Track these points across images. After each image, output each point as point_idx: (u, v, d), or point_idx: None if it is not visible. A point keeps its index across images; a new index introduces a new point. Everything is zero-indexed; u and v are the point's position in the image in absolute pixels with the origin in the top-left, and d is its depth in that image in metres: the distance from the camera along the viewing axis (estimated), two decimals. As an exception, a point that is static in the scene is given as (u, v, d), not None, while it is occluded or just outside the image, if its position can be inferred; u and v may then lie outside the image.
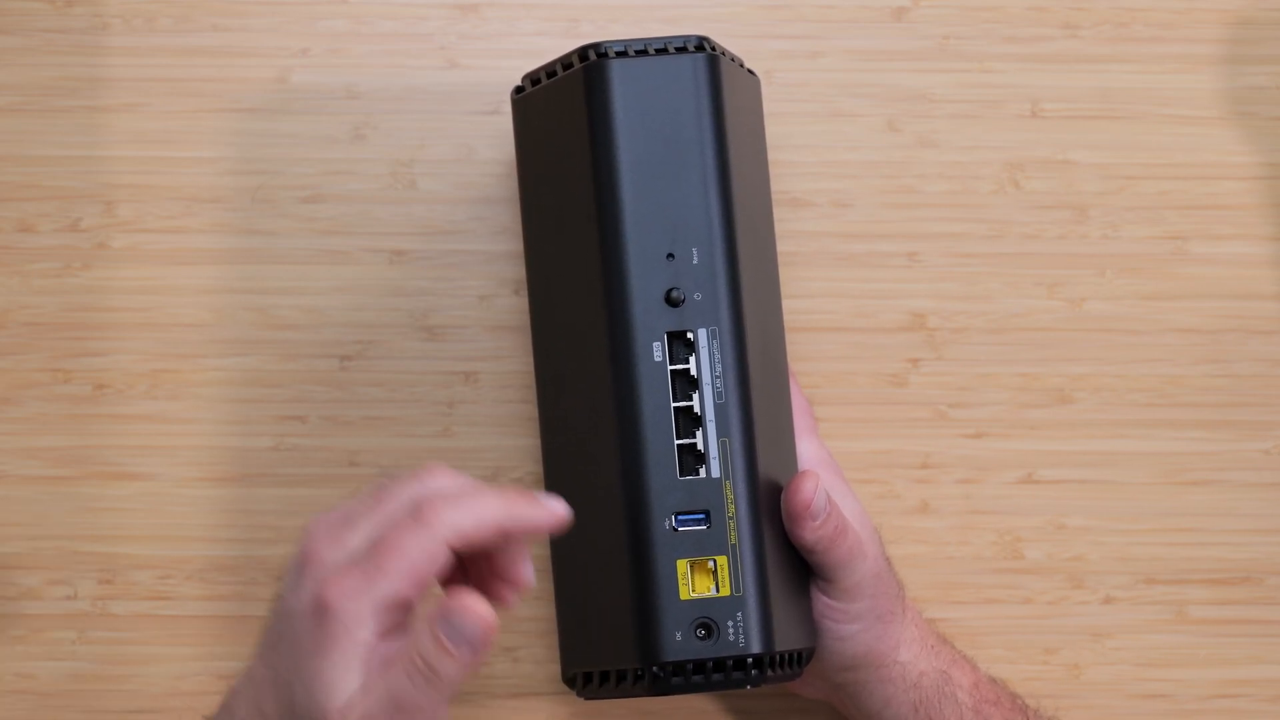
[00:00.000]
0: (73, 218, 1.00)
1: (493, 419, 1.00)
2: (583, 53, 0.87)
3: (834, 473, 0.91)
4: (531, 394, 0.98)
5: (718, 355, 0.85)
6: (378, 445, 0.99)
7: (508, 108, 1.00)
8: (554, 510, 0.78)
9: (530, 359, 0.93)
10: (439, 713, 0.74)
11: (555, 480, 0.89)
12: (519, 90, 0.91)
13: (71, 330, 0.99)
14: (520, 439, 0.99)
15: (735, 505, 0.84)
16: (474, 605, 0.74)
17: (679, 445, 0.84)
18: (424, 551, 0.74)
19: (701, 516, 0.84)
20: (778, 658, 0.84)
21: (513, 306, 1.00)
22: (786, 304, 0.94)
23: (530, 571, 0.80)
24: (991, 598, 1.00)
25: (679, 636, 0.83)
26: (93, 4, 1.01)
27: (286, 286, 1.00)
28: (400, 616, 0.75)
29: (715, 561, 0.83)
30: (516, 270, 1.00)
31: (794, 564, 0.87)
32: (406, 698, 0.74)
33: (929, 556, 1.00)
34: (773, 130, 0.97)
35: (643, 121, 0.86)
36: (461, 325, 1.00)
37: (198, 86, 1.01)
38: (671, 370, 0.84)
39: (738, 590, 0.83)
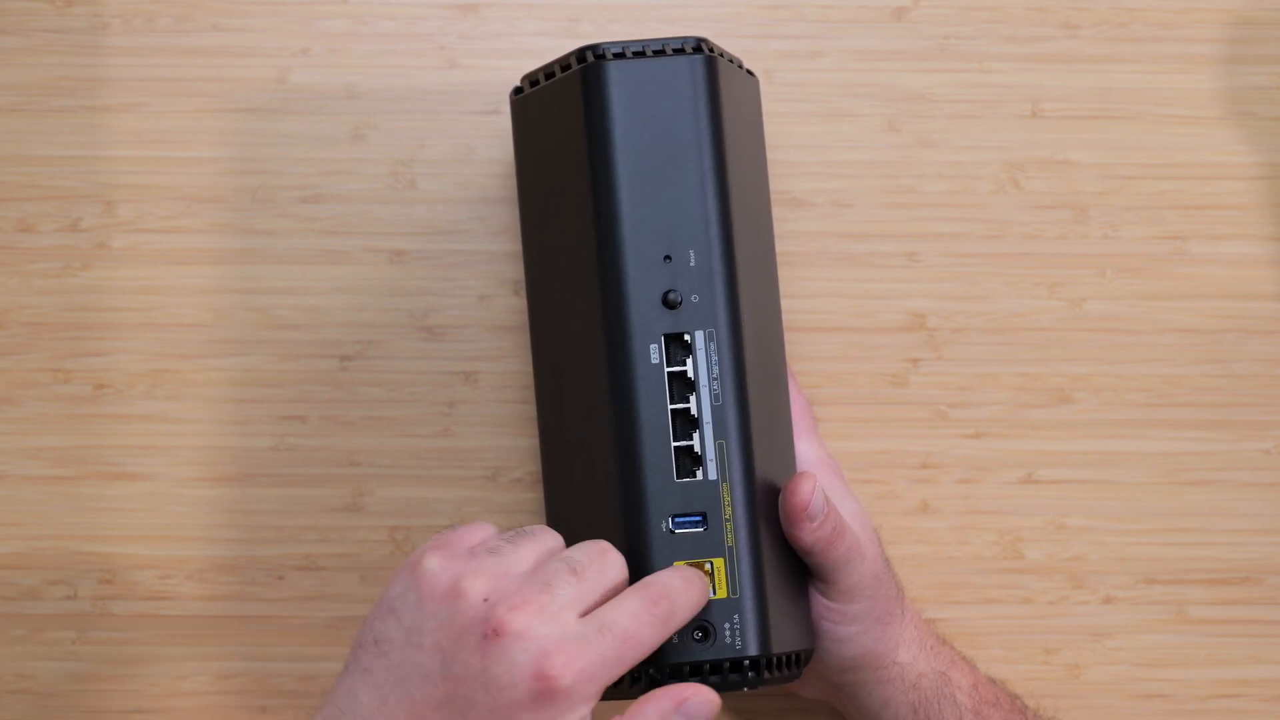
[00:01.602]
0: (73, 218, 1.00)
1: (493, 419, 1.00)
2: (581, 54, 0.87)
3: (833, 473, 0.91)
4: (531, 394, 0.98)
5: (715, 357, 0.85)
6: (378, 445, 0.99)
7: (508, 108, 1.00)
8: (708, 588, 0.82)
9: (530, 359, 0.93)
10: None
11: (553, 481, 0.89)
12: (518, 91, 0.91)
13: (71, 330, 0.99)
14: (520, 439, 0.99)
15: (732, 507, 0.84)
16: (704, 695, 0.77)
17: (676, 447, 0.84)
18: (655, 645, 0.77)
19: (698, 519, 0.84)
20: (775, 660, 0.84)
21: (513, 306, 1.00)
22: (786, 304, 0.94)
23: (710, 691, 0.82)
24: (991, 598, 1.00)
25: (676, 639, 0.83)
26: (93, 4, 1.01)
27: (286, 286, 1.00)
28: None
29: (712, 564, 0.83)
30: (516, 270, 1.00)
31: (792, 565, 0.87)
32: None
33: (929, 556, 1.00)
34: (773, 130, 0.97)
35: (640, 123, 0.85)
36: (461, 325, 1.00)
37: (198, 86, 1.01)
38: (669, 372, 0.84)
39: (735, 592, 0.83)
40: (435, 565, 0.77)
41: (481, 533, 0.80)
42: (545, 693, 0.74)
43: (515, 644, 0.74)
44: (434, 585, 0.77)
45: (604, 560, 0.79)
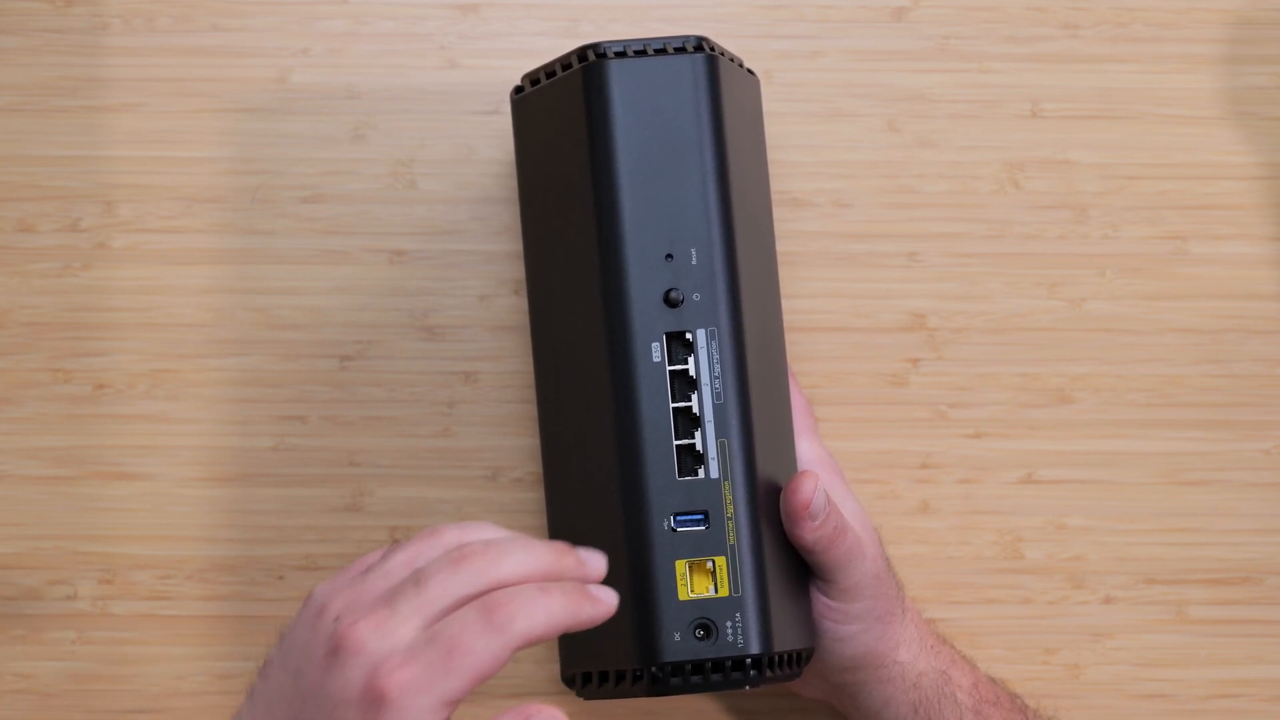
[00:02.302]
0: (73, 218, 1.00)
1: (493, 419, 1.00)
2: (582, 53, 0.87)
3: (834, 473, 0.91)
4: (531, 394, 0.98)
5: (716, 356, 0.85)
6: (378, 445, 0.99)
7: (508, 108, 1.00)
8: (609, 604, 0.76)
9: (530, 359, 0.93)
10: None
11: (554, 480, 0.89)
12: (518, 90, 0.91)
13: (71, 330, 0.99)
14: (520, 439, 0.99)
15: (734, 506, 0.84)
16: (555, 713, 0.74)
17: (678, 446, 0.84)
18: (493, 656, 0.73)
19: (700, 517, 0.84)
20: (776, 658, 0.84)
21: (513, 306, 1.00)
22: (786, 304, 0.94)
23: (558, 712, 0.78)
24: (991, 598, 1.00)
25: (678, 637, 0.83)
26: (93, 4, 1.01)
27: (286, 286, 1.00)
28: (449, 715, 0.73)
29: (714, 562, 0.83)
30: (516, 270, 1.00)
31: (793, 564, 0.87)
32: None
33: (929, 556, 1.00)
34: (773, 130, 0.97)
35: (642, 122, 0.85)
36: (461, 325, 1.00)
37: (198, 86, 1.01)
38: (670, 371, 0.84)
39: (736, 591, 0.83)
40: (320, 590, 0.76)
41: (402, 552, 0.78)
42: (373, 703, 0.72)
43: (350, 659, 0.73)
44: (309, 608, 0.76)
45: (455, 570, 0.74)
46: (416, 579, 0.74)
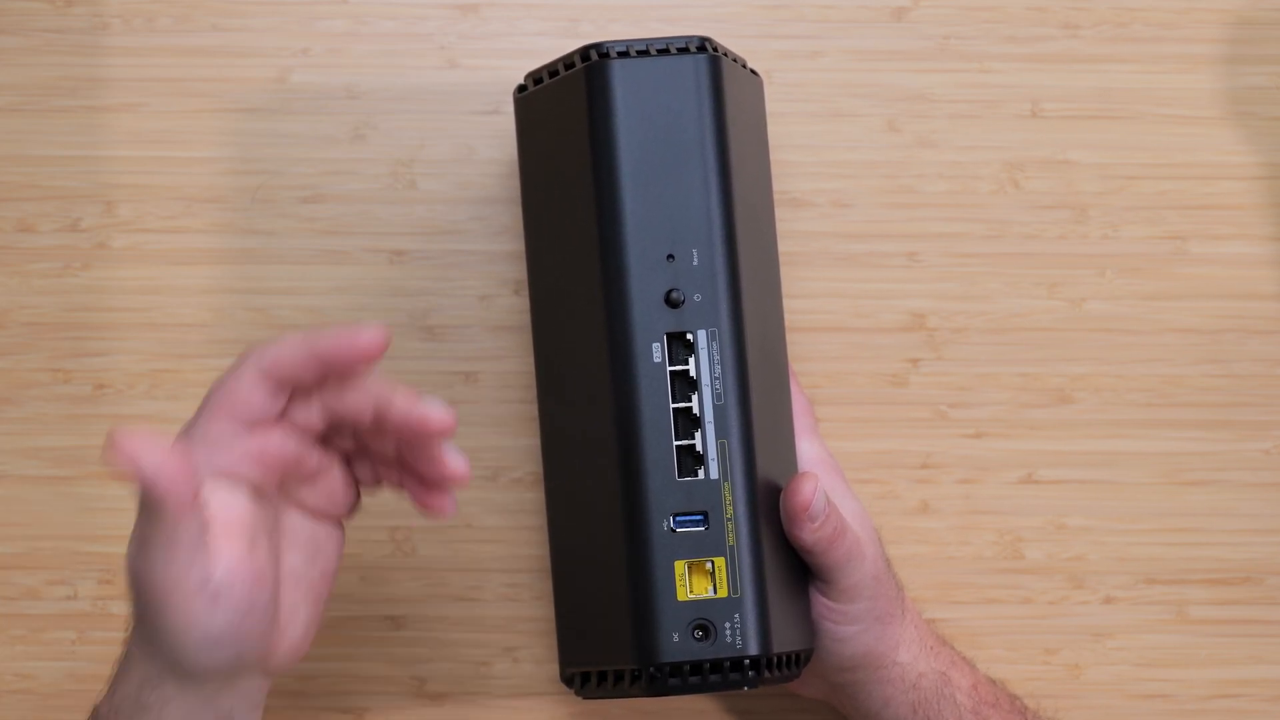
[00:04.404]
0: (73, 218, 1.00)
1: (493, 419, 1.00)
2: (584, 53, 0.87)
3: (834, 473, 0.91)
4: (531, 394, 0.98)
5: (717, 356, 0.85)
6: (378, 445, 0.99)
7: (508, 108, 1.00)
8: (365, 331, 0.76)
9: (530, 359, 0.93)
10: None
11: (554, 480, 0.89)
12: (521, 89, 0.91)
13: (71, 330, 0.99)
14: (520, 439, 0.99)
15: (733, 507, 0.84)
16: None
17: (678, 446, 0.84)
18: (236, 385, 0.76)
19: (700, 518, 0.84)
20: (775, 659, 0.84)
21: (513, 306, 1.00)
22: (786, 304, 0.94)
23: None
24: (991, 598, 1.00)
25: (676, 637, 0.83)
26: (93, 4, 1.01)
27: (286, 286, 1.00)
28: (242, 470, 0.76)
29: (713, 563, 0.83)
30: (516, 270, 1.00)
31: (792, 565, 0.87)
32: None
33: (929, 556, 1.00)
34: (773, 130, 0.97)
35: (643, 122, 0.85)
36: (461, 325, 1.00)
37: (198, 86, 1.01)
38: (671, 371, 0.84)
39: (735, 591, 0.83)
40: None
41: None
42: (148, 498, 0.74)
43: None
44: None
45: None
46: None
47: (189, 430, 0.78)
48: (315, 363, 0.77)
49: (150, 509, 0.73)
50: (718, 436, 0.84)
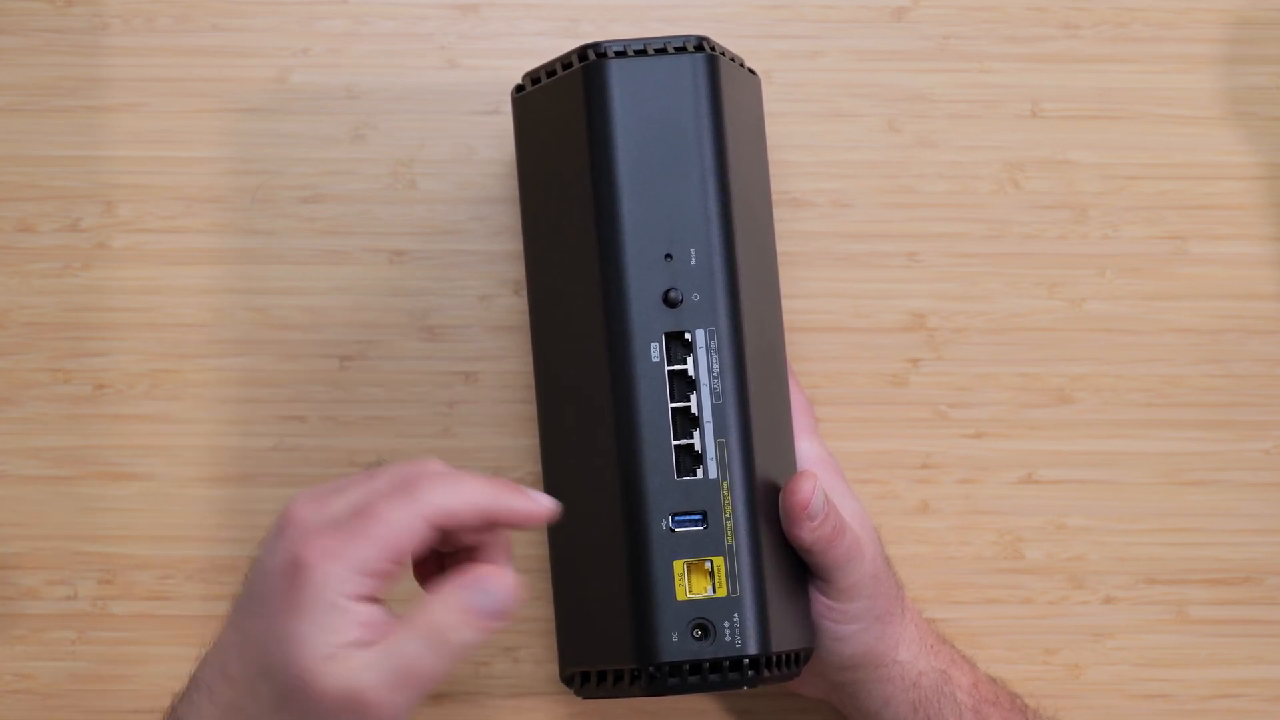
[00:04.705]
0: (73, 218, 1.00)
1: (493, 419, 1.00)
2: (582, 52, 0.87)
3: (834, 472, 0.91)
4: (531, 394, 0.98)
5: (715, 356, 0.85)
6: (378, 445, 0.99)
7: (508, 108, 1.00)
8: (542, 504, 0.77)
9: (530, 359, 0.93)
10: (438, 680, 0.75)
11: (553, 480, 0.89)
12: (519, 89, 0.91)
13: (71, 330, 0.99)
14: (520, 439, 0.99)
15: (732, 506, 0.84)
16: (502, 575, 0.76)
17: (676, 446, 0.84)
18: (406, 524, 0.74)
19: (698, 517, 0.84)
20: (774, 658, 0.84)
21: (513, 306, 1.00)
22: (786, 304, 0.94)
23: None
24: (991, 598, 1.00)
25: (675, 637, 0.83)
26: (93, 4, 1.01)
27: (286, 286, 1.00)
28: (377, 586, 0.74)
29: (712, 562, 0.83)
30: (516, 270, 1.00)
31: (792, 564, 0.87)
32: (416, 664, 0.74)
33: (929, 556, 1.00)
34: (773, 130, 0.97)
35: (642, 122, 0.85)
36: (461, 325, 1.00)
37: (198, 86, 1.01)
38: (669, 371, 0.84)
39: (734, 591, 0.83)
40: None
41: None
42: (290, 567, 0.74)
43: (286, 532, 0.75)
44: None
45: (406, 466, 0.77)
46: (369, 474, 0.77)
47: (343, 552, 0.75)
48: (484, 522, 0.77)
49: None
50: (716, 436, 0.84)
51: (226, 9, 1.01)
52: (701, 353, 0.85)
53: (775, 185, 0.99)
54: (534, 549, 0.97)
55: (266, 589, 0.75)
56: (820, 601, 0.89)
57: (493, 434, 0.99)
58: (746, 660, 0.83)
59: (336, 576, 0.74)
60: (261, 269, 1.00)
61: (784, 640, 0.85)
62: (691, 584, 0.84)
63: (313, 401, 0.99)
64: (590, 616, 0.87)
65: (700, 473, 0.84)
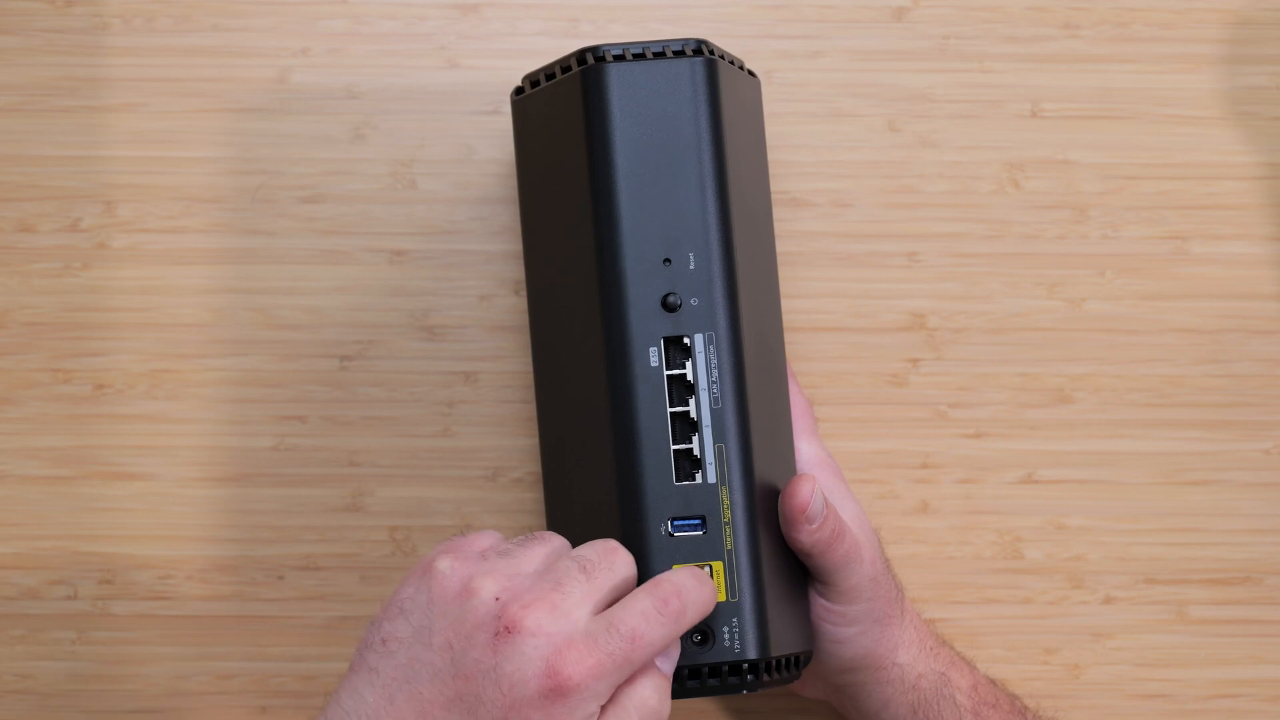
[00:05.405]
0: (73, 218, 1.00)
1: (493, 419, 1.00)
2: (581, 56, 0.86)
3: (833, 474, 0.91)
4: (531, 394, 0.98)
5: (714, 360, 0.84)
6: (378, 445, 0.99)
7: (508, 108, 1.00)
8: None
9: (530, 359, 0.93)
10: None
11: (553, 484, 0.89)
12: (518, 92, 0.91)
13: (71, 330, 1.00)
14: (520, 439, 0.99)
15: (731, 511, 0.84)
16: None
17: (675, 451, 0.84)
18: (665, 644, 0.78)
19: (697, 522, 0.84)
20: (774, 663, 0.84)
21: (513, 306, 1.00)
22: (786, 304, 0.94)
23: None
24: (991, 598, 1.00)
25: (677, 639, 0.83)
26: (93, 4, 1.01)
27: (286, 286, 1.00)
28: None
29: (711, 567, 0.83)
30: (516, 270, 1.00)
31: (791, 567, 0.87)
32: None
33: (929, 556, 1.00)
34: (773, 130, 0.97)
35: (640, 125, 0.85)
36: (461, 325, 1.00)
37: (198, 86, 1.01)
38: (668, 375, 0.84)
39: (734, 596, 0.83)
40: (447, 566, 0.78)
41: (490, 538, 0.81)
42: (555, 690, 0.74)
43: (527, 640, 0.75)
44: (446, 585, 0.77)
45: (613, 558, 0.79)
46: (582, 566, 0.78)
47: (606, 674, 0.76)
48: None
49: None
50: (715, 440, 0.84)
51: (226, 9, 1.01)
52: (700, 357, 0.84)
53: (775, 185, 0.99)
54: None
55: (507, 698, 0.75)
56: (820, 604, 0.89)
57: (492, 434, 0.99)
58: (746, 665, 0.83)
59: (598, 697, 0.76)
60: (261, 269, 1.00)
61: (783, 644, 0.85)
62: (691, 589, 0.83)
63: (312, 401, 0.99)
64: (590, 620, 0.87)
65: (699, 478, 0.84)
